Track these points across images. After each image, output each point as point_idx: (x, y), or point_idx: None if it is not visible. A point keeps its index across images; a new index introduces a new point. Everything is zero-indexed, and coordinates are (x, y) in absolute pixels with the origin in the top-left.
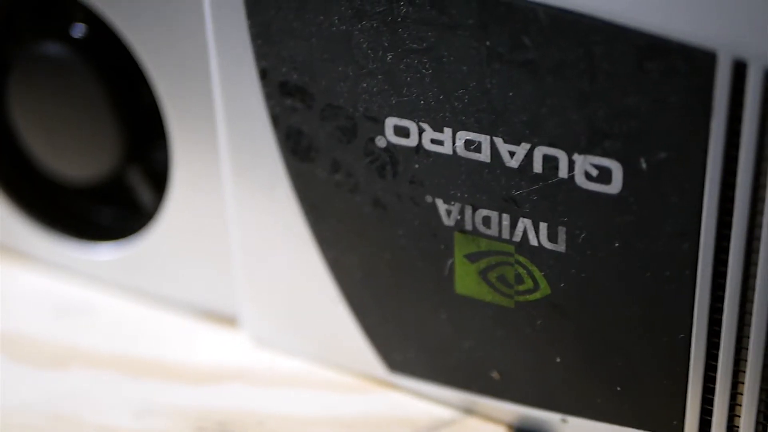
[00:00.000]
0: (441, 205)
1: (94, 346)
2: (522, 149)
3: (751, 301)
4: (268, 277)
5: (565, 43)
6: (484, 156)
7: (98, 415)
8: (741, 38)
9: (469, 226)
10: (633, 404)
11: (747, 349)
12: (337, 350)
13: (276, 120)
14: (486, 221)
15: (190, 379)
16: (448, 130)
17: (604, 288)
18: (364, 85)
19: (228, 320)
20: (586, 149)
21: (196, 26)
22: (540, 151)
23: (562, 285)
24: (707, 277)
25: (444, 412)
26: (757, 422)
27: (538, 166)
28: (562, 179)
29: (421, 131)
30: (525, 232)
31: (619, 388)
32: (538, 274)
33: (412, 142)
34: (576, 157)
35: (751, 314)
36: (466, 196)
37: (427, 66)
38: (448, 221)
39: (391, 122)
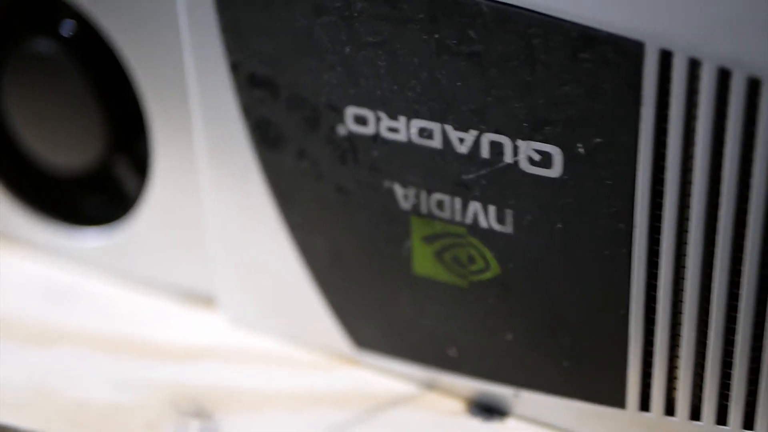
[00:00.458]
0: (398, 190)
1: (79, 326)
2: (470, 136)
3: (684, 278)
4: (242, 260)
5: (506, 35)
6: (436, 143)
7: (79, 390)
8: (666, 29)
9: (424, 210)
10: (579, 378)
11: (681, 324)
12: (307, 329)
13: (246, 111)
14: (440, 205)
15: (169, 357)
16: (402, 119)
17: (549, 267)
18: (325, 76)
19: (207, 302)
20: (529, 135)
21: (171, 22)
22: (487, 138)
23: (511, 265)
24: (642, 255)
25: (406, 388)
26: (694, 394)
27: (485, 152)
28: (508, 164)
29: (378, 120)
30: (475, 215)
31: (566, 363)
32: (488, 254)
33: (370, 130)
34: (519, 142)
35: (684, 291)
36: (421, 181)
37: (382, 58)
38: (405, 205)
39: (350, 111)
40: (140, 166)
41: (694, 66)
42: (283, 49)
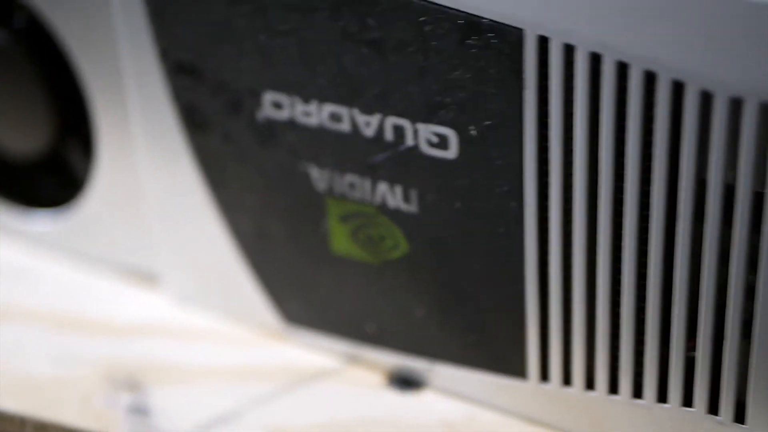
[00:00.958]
0: (314, 172)
1: (27, 304)
2: (375, 120)
3: (572, 255)
4: (180, 239)
5: (401, 23)
6: (346, 126)
7: (19, 364)
8: (543, 17)
9: (338, 191)
10: (484, 350)
11: (572, 298)
12: (240, 306)
13: (174, 96)
14: (351, 186)
15: (109, 333)
16: (314, 104)
17: (452, 245)
18: (244, 63)
19: (153, 280)
20: (426, 118)
21: (106, 11)
22: (390, 121)
23: (418, 243)
24: (533, 232)
25: (331, 362)
26: (588, 365)
27: (389, 135)
28: (410, 146)
29: (292, 104)
30: (384, 195)
31: (471, 336)
32: (398, 233)
33: (285, 114)
34: (419, 125)
35: (572, 266)
36: (333, 163)
37: (293, 45)
38: (320, 187)
39: (267, 96)
40: (90, 150)
41: (568, 51)
42: (206, 37)
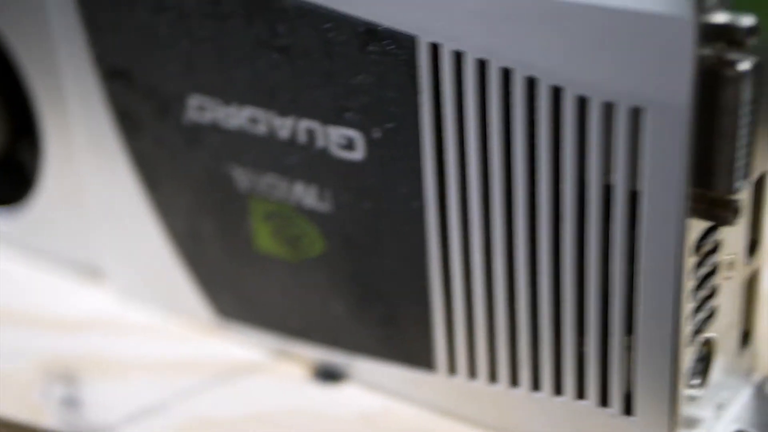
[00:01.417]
0: (237, 174)
1: None
2: (289, 122)
3: (471, 253)
4: (121, 237)
5: (307, 30)
6: (263, 129)
7: None
8: (433, 24)
9: (259, 192)
10: (397, 344)
11: (473, 295)
12: (177, 301)
13: (110, 100)
14: (271, 186)
15: (52, 327)
16: (234, 107)
17: (364, 243)
18: (170, 68)
19: (99, 276)
20: (335, 121)
21: (46, 18)
22: (302, 124)
23: (333, 242)
24: (434, 230)
25: (260, 357)
26: (490, 359)
27: (302, 137)
28: (321, 148)
29: (215, 108)
30: (300, 195)
31: (385, 331)
32: (314, 232)
33: (209, 117)
34: (328, 128)
35: (472, 264)
36: (253, 164)
37: (212, 51)
38: (243, 187)
39: (192, 100)
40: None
41: (458, 58)
42: (135, 43)
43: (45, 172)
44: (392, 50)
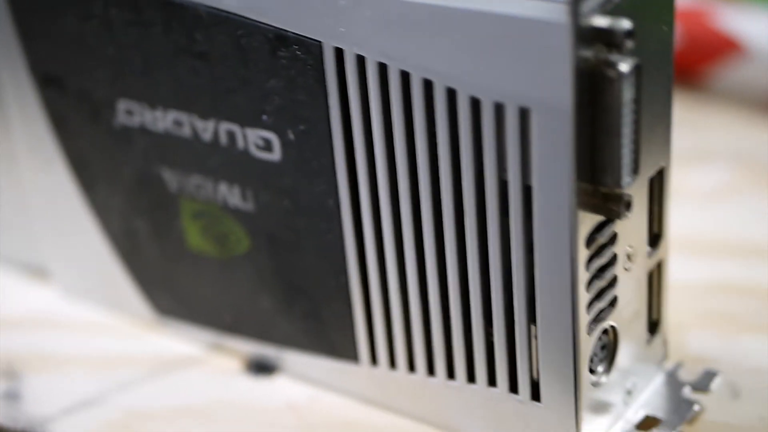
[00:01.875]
0: (166, 175)
1: None
2: (210, 125)
3: (384, 249)
4: (62, 237)
5: (222, 37)
6: (187, 131)
7: None
8: (336, 30)
9: (187, 192)
10: (322, 337)
11: (389, 288)
12: (117, 298)
13: (45, 106)
14: (197, 187)
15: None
16: (160, 111)
17: (286, 241)
18: (99, 74)
19: (45, 274)
20: (252, 124)
21: None
22: (223, 127)
23: (257, 239)
24: (350, 227)
25: (196, 350)
26: (408, 349)
27: (223, 139)
28: (241, 149)
29: (142, 112)
30: (225, 195)
31: (311, 324)
32: (239, 230)
33: (137, 121)
34: (247, 130)
35: (386, 259)
36: (180, 166)
37: (137, 57)
38: (173, 188)
39: (121, 105)
40: None
41: (360, 62)
42: (66, 51)
43: None
44: (301, 55)
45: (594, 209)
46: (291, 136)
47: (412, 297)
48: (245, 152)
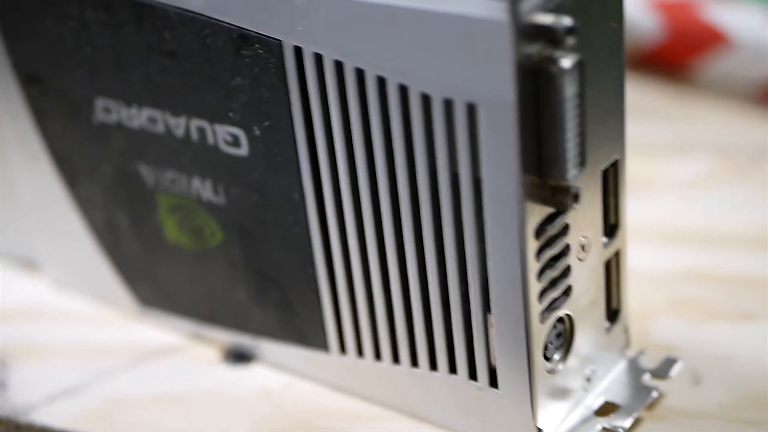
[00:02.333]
0: (143, 171)
1: None
2: (182, 122)
3: (347, 241)
4: (49, 230)
5: (189, 36)
6: (160, 128)
7: None
8: (293, 30)
9: (163, 186)
10: (294, 327)
11: (353, 280)
12: (103, 289)
13: (29, 103)
14: (172, 182)
15: None
16: (135, 109)
17: (256, 234)
18: (77, 72)
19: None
20: (220, 120)
21: None
22: (193, 123)
23: (230, 232)
24: (315, 220)
25: (177, 340)
26: (373, 338)
27: (194, 136)
28: (211, 145)
29: (118, 109)
30: (198, 189)
31: (283, 314)
32: (213, 223)
33: (114, 118)
34: (216, 126)
35: (349, 252)
36: (155, 161)
37: (112, 56)
38: (150, 183)
39: (98, 102)
40: None
41: (318, 60)
42: (46, 51)
43: None
44: (263, 54)
45: (543, 201)
46: (257, 132)
47: (376, 287)
48: (215, 148)
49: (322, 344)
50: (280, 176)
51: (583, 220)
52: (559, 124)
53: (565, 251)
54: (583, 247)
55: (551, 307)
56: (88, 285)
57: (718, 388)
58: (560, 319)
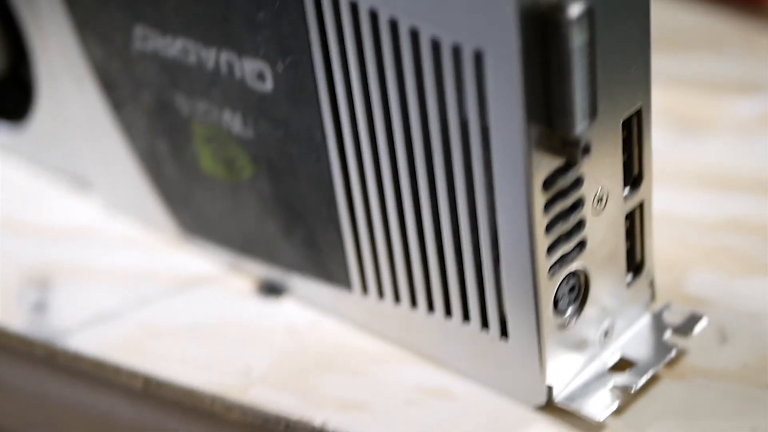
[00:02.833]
0: (179, 100)
1: None
2: (212, 54)
3: (366, 181)
4: (99, 153)
5: None
6: (193, 59)
7: None
8: None
9: (197, 117)
10: (320, 264)
11: (373, 221)
12: (150, 215)
13: (75, 26)
14: (205, 113)
15: (39, 234)
16: (170, 38)
17: (283, 169)
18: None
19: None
20: (246, 53)
21: None
22: (223, 56)
23: (259, 166)
24: (336, 159)
25: (213, 269)
26: (393, 281)
27: (224, 69)
28: (239, 79)
29: (155, 37)
30: (229, 122)
31: (309, 250)
32: (244, 156)
33: (151, 47)
34: (243, 60)
35: (368, 194)
36: (190, 92)
37: None
38: (185, 112)
39: (137, 30)
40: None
41: (335, 3)
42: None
43: (40, 93)
44: None
45: (553, 152)
46: (280, 67)
47: (393, 231)
48: (242, 82)
49: (345, 283)
50: (303, 113)
51: (601, 171)
52: (566, 75)
53: (578, 204)
54: (600, 200)
55: (563, 260)
56: (134, 208)
57: (744, 347)
58: (574, 273)
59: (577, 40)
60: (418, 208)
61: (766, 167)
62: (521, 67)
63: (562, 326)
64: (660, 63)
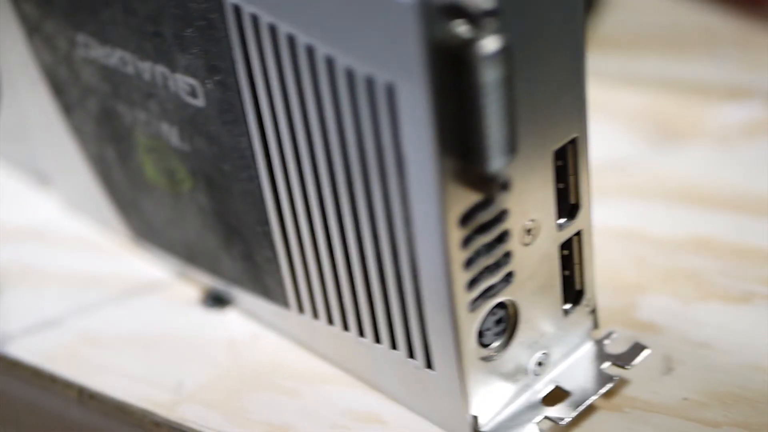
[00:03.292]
0: (122, 110)
1: None
2: (147, 66)
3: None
4: (53, 153)
5: None
6: (131, 70)
7: None
8: None
9: (139, 127)
10: (259, 280)
11: (303, 240)
12: (102, 216)
13: (25, 30)
14: (146, 124)
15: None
16: (109, 48)
17: (219, 185)
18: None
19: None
20: (179, 69)
21: None
22: (158, 69)
23: (197, 180)
24: (266, 179)
25: (163, 276)
26: (325, 303)
27: (159, 81)
28: (174, 93)
29: (95, 46)
30: (168, 134)
31: (246, 265)
32: (183, 169)
33: (93, 54)
34: (176, 75)
35: (297, 213)
36: (130, 101)
37: None
38: (128, 122)
39: (79, 37)
40: None
41: (255, 20)
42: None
43: (1, 91)
44: (208, 8)
45: (471, 187)
46: (210, 85)
47: (323, 252)
48: (177, 95)
49: (282, 300)
50: (233, 132)
51: (530, 203)
52: (479, 111)
53: (503, 237)
54: (528, 231)
55: (486, 293)
56: (90, 210)
57: (688, 378)
58: (502, 305)
59: (490, 76)
60: (343, 232)
61: (743, 182)
62: (433, 101)
63: (487, 359)
64: (646, 63)
